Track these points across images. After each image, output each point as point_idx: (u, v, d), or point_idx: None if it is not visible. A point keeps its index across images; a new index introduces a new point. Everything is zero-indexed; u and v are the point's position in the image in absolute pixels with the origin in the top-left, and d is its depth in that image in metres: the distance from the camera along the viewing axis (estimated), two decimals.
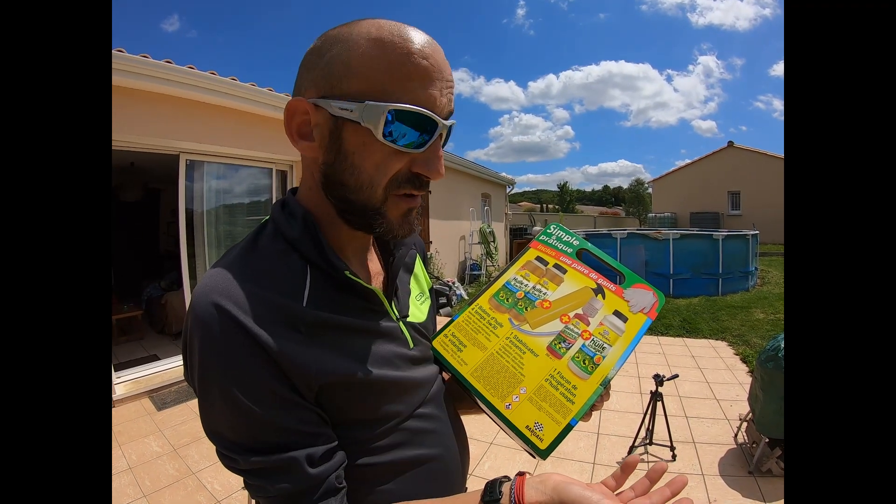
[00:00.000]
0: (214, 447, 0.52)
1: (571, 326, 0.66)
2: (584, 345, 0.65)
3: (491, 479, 0.52)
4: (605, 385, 0.62)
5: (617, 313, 0.67)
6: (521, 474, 0.52)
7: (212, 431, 0.52)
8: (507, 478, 0.52)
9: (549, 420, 0.60)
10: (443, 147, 0.58)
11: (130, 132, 3.74)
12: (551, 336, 0.66)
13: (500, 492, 0.50)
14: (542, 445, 0.59)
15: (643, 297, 0.68)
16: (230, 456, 0.50)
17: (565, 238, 0.76)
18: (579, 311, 0.68)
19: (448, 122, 0.55)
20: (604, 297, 0.69)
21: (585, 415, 0.62)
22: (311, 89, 0.54)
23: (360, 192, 0.54)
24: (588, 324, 0.66)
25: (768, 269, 10.27)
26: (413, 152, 0.53)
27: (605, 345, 0.65)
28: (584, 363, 0.63)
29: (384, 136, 0.51)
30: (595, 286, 0.70)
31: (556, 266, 0.72)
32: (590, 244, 0.75)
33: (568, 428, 0.60)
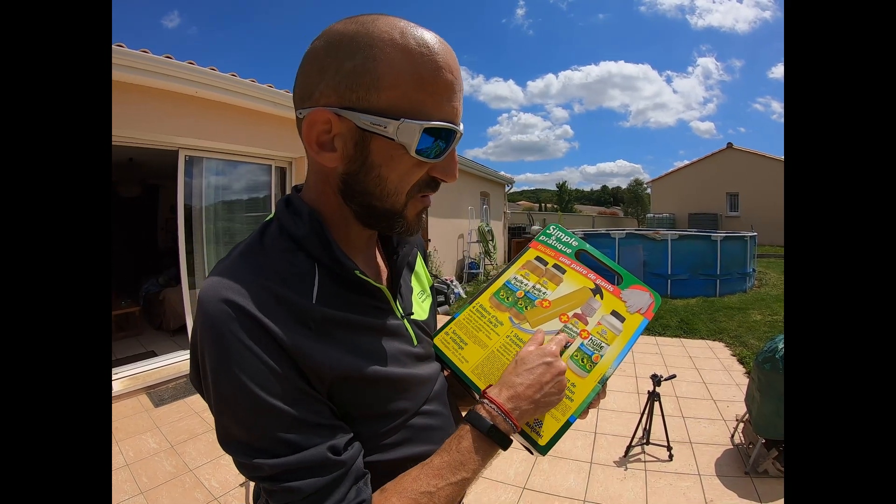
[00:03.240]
0: (233, 460, 0.51)
1: (570, 325, 0.67)
2: (582, 344, 0.65)
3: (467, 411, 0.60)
4: (603, 383, 0.63)
5: (615, 313, 0.68)
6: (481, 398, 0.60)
7: (228, 440, 0.50)
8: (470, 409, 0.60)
9: (548, 417, 0.61)
10: None
11: (129, 127, 3.73)
12: (551, 335, 0.66)
13: (478, 413, 0.58)
14: (542, 442, 0.60)
15: (640, 298, 0.69)
16: (252, 463, 0.48)
17: (564, 239, 0.76)
18: (578, 310, 0.68)
19: (461, 129, 0.56)
20: (602, 298, 0.69)
21: (583, 412, 0.62)
22: (331, 96, 0.52)
23: (386, 200, 0.56)
24: (586, 323, 0.67)
25: (766, 270, 10.29)
26: (434, 161, 0.55)
27: (602, 344, 0.65)
28: (583, 362, 0.64)
29: (417, 152, 0.52)
30: (593, 286, 0.70)
31: (556, 266, 0.73)
32: (588, 245, 0.75)
33: (567, 425, 0.61)
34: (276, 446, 0.48)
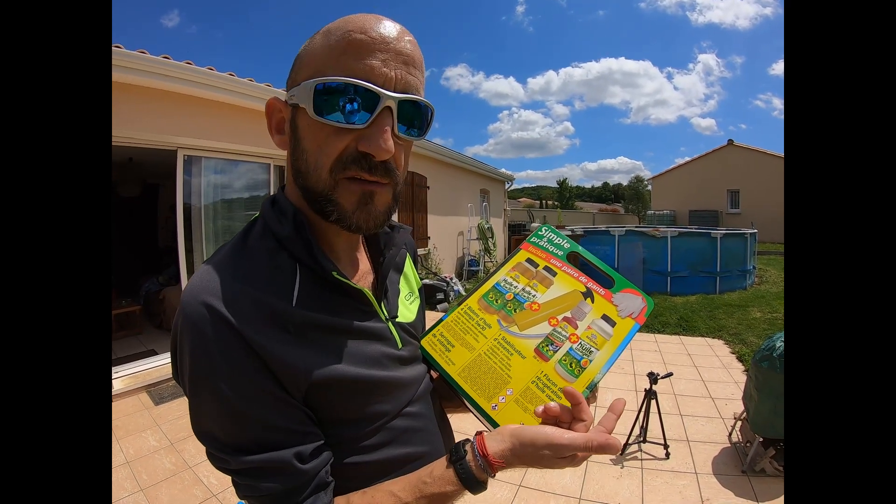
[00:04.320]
0: (205, 449, 0.53)
1: (560, 329, 0.66)
2: (571, 348, 0.65)
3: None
4: (592, 389, 0.63)
5: (605, 317, 0.67)
6: (479, 433, 0.56)
7: (201, 432, 0.52)
8: (468, 440, 0.55)
9: (534, 422, 0.60)
10: (419, 131, 0.56)
11: (128, 128, 3.73)
12: (539, 338, 0.66)
13: (465, 450, 0.54)
14: None
15: (632, 302, 0.69)
16: (220, 456, 0.51)
17: (556, 240, 0.75)
18: (568, 314, 0.68)
19: (395, 95, 0.51)
20: (593, 301, 0.69)
21: None
22: (287, 89, 0.57)
23: (309, 177, 0.54)
24: (576, 327, 0.66)
25: (766, 267, 10.28)
26: (356, 128, 0.51)
27: (592, 349, 0.65)
28: (571, 366, 0.64)
29: (314, 112, 0.50)
30: (584, 290, 0.70)
31: (546, 268, 0.72)
32: (581, 247, 0.75)
33: None
34: (244, 445, 0.50)
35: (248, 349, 0.49)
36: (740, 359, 4.58)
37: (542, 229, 0.78)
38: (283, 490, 0.50)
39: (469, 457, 0.53)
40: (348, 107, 0.49)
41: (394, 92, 0.51)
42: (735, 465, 2.65)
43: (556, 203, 51.97)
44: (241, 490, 0.52)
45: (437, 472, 0.54)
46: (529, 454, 0.52)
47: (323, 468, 0.53)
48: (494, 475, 0.53)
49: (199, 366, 0.49)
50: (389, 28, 0.51)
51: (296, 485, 0.50)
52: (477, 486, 0.53)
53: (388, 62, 0.50)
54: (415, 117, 0.55)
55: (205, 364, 0.49)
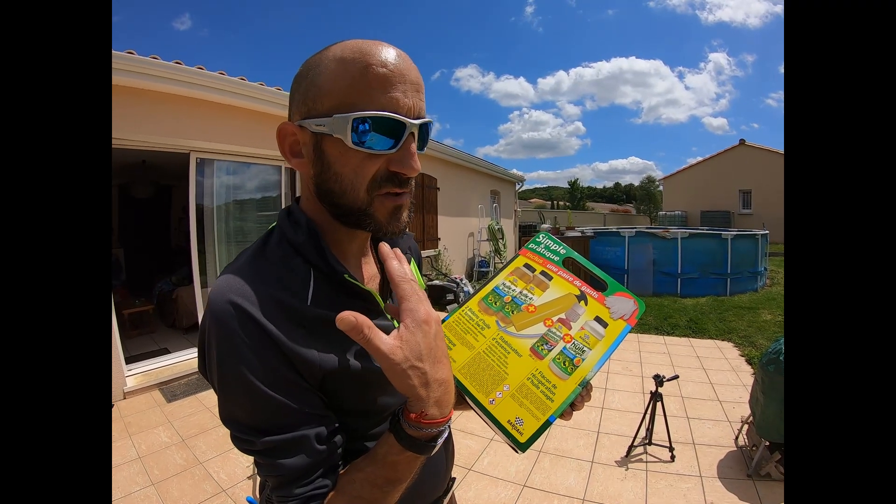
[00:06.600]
0: (229, 433, 0.58)
1: (554, 330, 0.69)
2: (564, 347, 0.68)
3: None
4: (584, 385, 0.66)
5: (598, 319, 0.70)
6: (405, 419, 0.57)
7: (228, 418, 0.58)
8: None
9: (529, 416, 0.64)
10: (423, 145, 0.63)
11: (141, 131, 3.82)
12: (535, 338, 0.69)
13: (409, 435, 0.55)
14: (522, 439, 0.63)
15: (624, 305, 0.71)
16: (245, 438, 0.56)
17: (553, 247, 0.79)
18: (562, 315, 0.71)
19: (416, 122, 0.58)
20: (586, 304, 0.72)
21: (565, 413, 0.65)
22: (296, 113, 0.61)
23: (345, 196, 0.60)
24: (570, 328, 0.69)
25: (778, 269, 10.13)
26: (387, 153, 0.58)
27: (584, 348, 0.68)
28: (565, 364, 0.67)
29: (353, 143, 0.56)
30: (578, 293, 0.73)
31: (543, 273, 0.76)
32: (576, 254, 0.78)
33: (546, 424, 0.64)
34: (269, 427, 0.55)
35: (270, 341, 0.55)
36: (749, 361, 4.53)
37: (540, 236, 0.82)
38: (303, 466, 0.55)
39: (411, 432, 0.55)
40: (383, 136, 0.56)
41: (414, 119, 0.58)
42: (741, 469, 2.63)
43: (566, 203, 51.73)
44: (263, 470, 0.58)
45: (382, 438, 0.57)
46: (428, 381, 0.55)
47: (336, 451, 0.59)
48: (425, 428, 0.54)
49: (226, 357, 0.54)
50: (401, 58, 0.58)
51: (313, 462, 0.56)
52: (410, 441, 0.54)
53: (407, 93, 0.57)
54: (424, 135, 0.63)
55: (231, 355, 0.54)
